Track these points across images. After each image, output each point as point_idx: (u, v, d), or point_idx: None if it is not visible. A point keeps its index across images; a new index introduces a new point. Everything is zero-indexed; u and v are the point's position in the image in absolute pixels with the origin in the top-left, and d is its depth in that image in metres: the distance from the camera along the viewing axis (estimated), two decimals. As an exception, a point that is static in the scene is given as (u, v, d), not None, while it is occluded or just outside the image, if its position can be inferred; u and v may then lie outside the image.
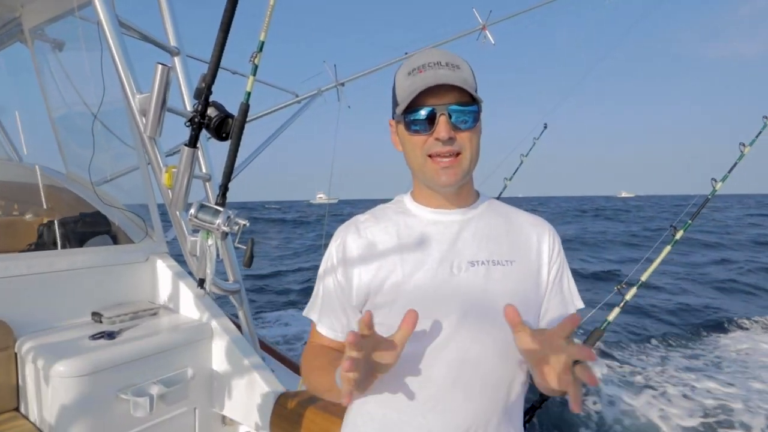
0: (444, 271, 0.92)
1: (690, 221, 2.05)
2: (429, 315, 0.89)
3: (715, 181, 2.08)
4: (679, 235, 2.02)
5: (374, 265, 0.95)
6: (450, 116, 0.88)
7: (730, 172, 2.07)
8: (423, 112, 0.88)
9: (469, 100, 0.89)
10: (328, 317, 1.02)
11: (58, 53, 3.00)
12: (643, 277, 2.01)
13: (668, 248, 2.02)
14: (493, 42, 3.61)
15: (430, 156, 0.91)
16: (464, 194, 1.00)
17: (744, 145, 2.08)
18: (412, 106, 0.88)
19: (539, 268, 0.99)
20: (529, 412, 1.75)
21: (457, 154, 0.90)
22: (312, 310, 1.06)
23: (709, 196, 2.07)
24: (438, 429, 0.90)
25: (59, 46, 2.98)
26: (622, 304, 1.98)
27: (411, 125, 0.90)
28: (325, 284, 1.02)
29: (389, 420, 0.94)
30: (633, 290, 2.00)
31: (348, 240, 0.99)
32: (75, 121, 2.99)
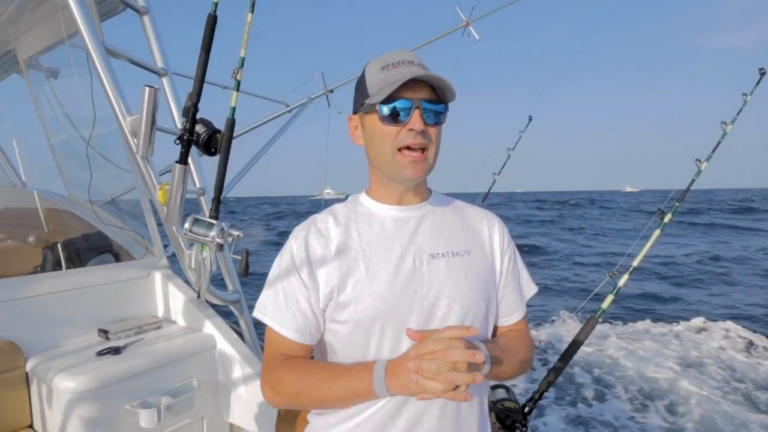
0: (407, 266, 0.96)
1: (677, 203, 2.08)
2: (396, 310, 0.93)
3: (700, 161, 2.11)
4: (667, 218, 2.05)
5: (337, 264, 0.96)
6: (423, 111, 0.92)
7: (713, 151, 2.09)
8: (400, 104, 0.91)
9: (437, 100, 0.95)
10: (294, 319, 0.97)
11: (53, 81, 3.08)
12: (635, 263, 2.03)
13: (657, 232, 2.05)
14: (477, 38, 3.65)
15: (399, 150, 0.94)
16: (420, 190, 1.05)
17: (726, 123, 2.10)
18: (390, 98, 0.91)
19: (493, 258, 1.06)
20: (528, 404, 1.78)
21: (424, 149, 0.95)
22: (273, 312, 0.99)
23: (695, 177, 2.10)
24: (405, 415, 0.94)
25: (54, 74, 3.06)
26: (615, 291, 2.00)
27: (386, 117, 0.93)
28: (288, 286, 0.98)
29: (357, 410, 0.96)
30: (625, 276, 2.02)
31: (310, 239, 0.99)
32: (73, 145, 3.06)
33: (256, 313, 1.02)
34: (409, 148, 0.93)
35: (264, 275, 1.03)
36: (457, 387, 0.79)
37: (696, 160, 2.14)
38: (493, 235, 1.07)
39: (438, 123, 0.96)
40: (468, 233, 1.05)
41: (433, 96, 0.94)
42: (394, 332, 0.93)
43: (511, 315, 1.11)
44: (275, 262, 1.03)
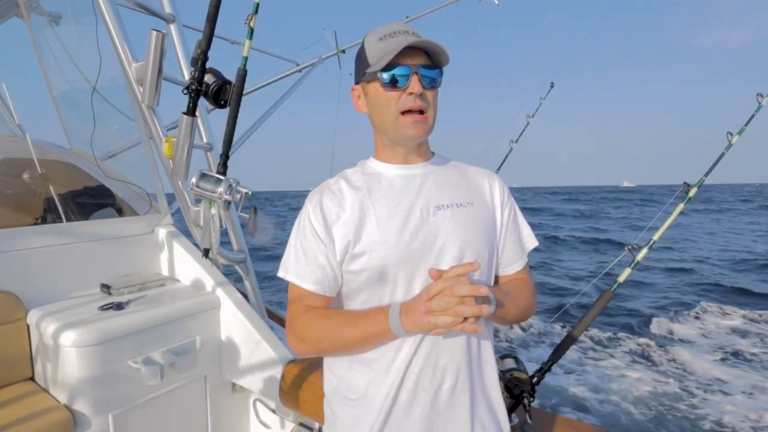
0: (415, 217, 1.04)
1: (704, 177, 2.00)
2: (407, 257, 1.01)
3: (731, 135, 2.02)
4: (692, 192, 1.98)
5: (350, 219, 1.04)
6: (420, 76, 1.01)
7: (746, 125, 2.00)
8: (399, 70, 1.00)
9: (432, 65, 1.03)
10: (314, 273, 1.05)
11: (55, 27, 2.96)
12: (656, 236, 1.97)
13: (681, 206, 1.97)
14: (496, 2, 3.51)
15: (401, 113, 1.02)
16: (422, 151, 1.14)
17: (761, 95, 2.01)
18: (390, 66, 0.99)
19: (494, 209, 1.15)
20: (536, 375, 1.75)
21: (422, 111, 1.03)
22: (295, 269, 1.07)
23: (725, 151, 2.01)
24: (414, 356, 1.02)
25: (56, 19, 2.93)
26: (633, 264, 1.95)
27: (387, 82, 1.01)
28: (306, 243, 1.06)
29: (364, 358, 1.05)
30: (644, 250, 1.96)
31: (324, 200, 1.07)
32: (76, 96, 2.96)
33: (280, 272, 1.09)
34: (410, 111, 1.02)
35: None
36: (465, 319, 0.86)
37: (727, 133, 2.05)
38: (493, 189, 1.17)
39: (434, 86, 1.04)
40: (470, 187, 1.14)
41: (428, 61, 1.02)
42: (405, 278, 1.01)
43: (512, 264, 1.19)
44: (294, 225, 1.11)
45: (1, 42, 3.43)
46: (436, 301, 0.87)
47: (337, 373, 1.13)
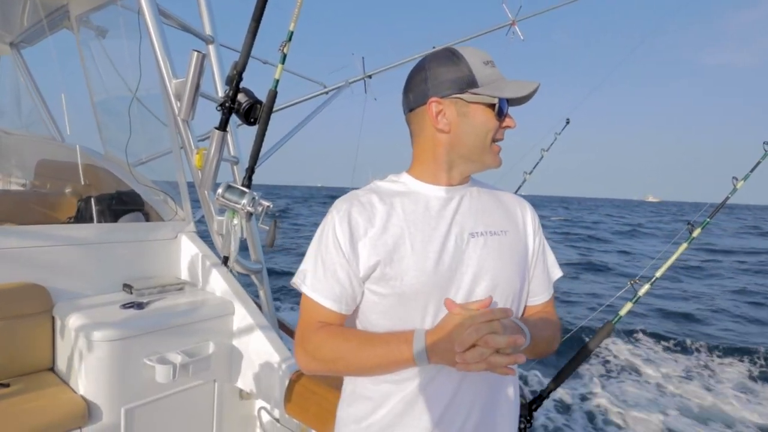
0: (450, 244, 0.99)
1: (708, 219, 2.04)
2: (440, 286, 0.97)
3: (737, 179, 2.06)
4: (696, 233, 2.02)
5: (381, 237, 0.98)
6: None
7: (752, 171, 2.05)
8: (507, 104, 1.00)
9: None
10: (332, 289, 0.99)
11: (102, 40, 3.15)
12: (658, 273, 2.01)
13: (685, 245, 2.01)
14: (522, 37, 3.62)
15: (493, 142, 1.02)
16: (466, 175, 1.09)
17: None
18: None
19: (526, 238, 1.12)
20: (535, 401, 1.79)
21: None
22: (312, 282, 1.01)
23: (730, 195, 2.06)
24: (443, 387, 0.98)
25: (103, 33, 3.12)
26: (634, 299, 1.99)
27: (501, 112, 0.99)
28: (328, 255, 1.00)
29: (385, 391, 1.01)
30: (646, 286, 2.00)
31: (353, 212, 1.00)
32: (114, 105, 3.14)
33: (295, 281, 1.04)
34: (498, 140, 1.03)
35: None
36: None
37: (733, 177, 2.09)
38: (525, 217, 1.14)
39: None
40: (504, 214, 1.11)
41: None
42: (435, 307, 0.96)
43: (539, 295, 1.15)
44: (316, 232, 1.05)
45: (49, 51, 3.66)
46: (470, 354, 0.82)
47: (353, 413, 1.07)
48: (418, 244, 0.98)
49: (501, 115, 0.99)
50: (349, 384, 1.11)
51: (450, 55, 1.00)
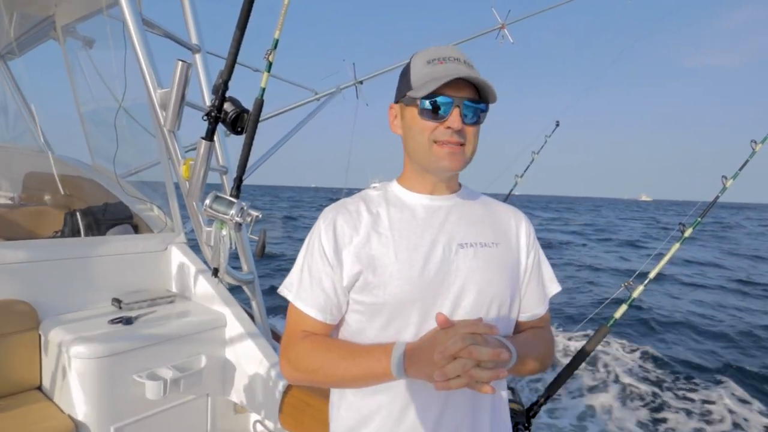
0: (437, 253, 0.96)
1: (699, 219, 2.03)
2: (425, 296, 0.94)
3: (726, 178, 2.05)
4: (688, 232, 2.00)
5: (366, 245, 0.97)
6: (462, 110, 0.93)
7: (740, 169, 2.03)
8: (441, 100, 0.92)
9: (479, 99, 0.95)
10: (317, 298, 0.99)
11: (88, 50, 3.11)
12: (651, 274, 1.99)
13: (677, 245, 2.00)
14: (512, 41, 3.62)
15: (435, 142, 0.95)
16: (452, 183, 1.07)
17: (755, 142, 2.04)
18: (432, 94, 0.92)
19: (519, 253, 1.07)
20: (533, 408, 1.76)
21: (462, 145, 0.96)
22: (297, 290, 1.01)
23: (720, 194, 2.05)
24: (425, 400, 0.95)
25: (89, 43, 3.09)
26: (629, 301, 1.97)
27: (425, 111, 0.94)
28: (314, 263, 0.99)
29: (372, 401, 0.99)
30: (641, 287, 1.98)
31: (338, 220, 1.00)
32: (101, 115, 3.10)
33: (281, 290, 1.04)
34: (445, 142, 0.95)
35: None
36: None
37: (722, 176, 2.08)
38: (519, 230, 1.09)
39: (477, 122, 0.97)
40: (496, 226, 1.06)
41: (475, 95, 0.95)
42: (419, 317, 0.94)
43: (533, 311, 1.10)
44: (304, 241, 1.05)
45: (35, 62, 3.62)
46: (451, 366, 0.79)
47: (343, 424, 1.05)
48: (403, 252, 0.96)
49: (426, 114, 0.94)
50: (335, 394, 1.09)
51: (411, 59, 1.01)
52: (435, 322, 0.89)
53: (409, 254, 0.95)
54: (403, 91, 1.00)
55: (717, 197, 2.01)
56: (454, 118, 0.93)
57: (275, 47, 1.69)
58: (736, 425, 5.54)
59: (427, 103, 0.93)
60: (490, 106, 0.99)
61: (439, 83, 0.90)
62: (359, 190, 1.12)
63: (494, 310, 0.98)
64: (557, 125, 2.83)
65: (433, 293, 0.94)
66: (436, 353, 0.81)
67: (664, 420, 5.72)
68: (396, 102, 1.03)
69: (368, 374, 0.91)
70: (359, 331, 1.00)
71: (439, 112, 0.93)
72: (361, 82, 3.70)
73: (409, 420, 0.95)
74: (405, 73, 1.01)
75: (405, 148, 1.04)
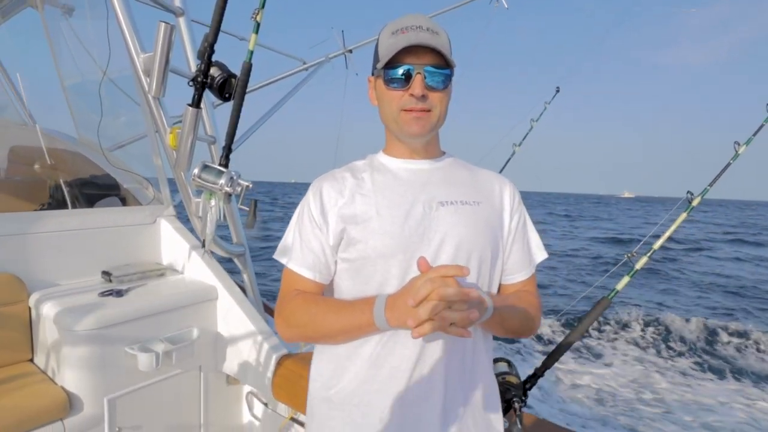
0: (417, 210, 1.01)
1: (708, 187, 1.98)
2: (404, 249, 0.98)
3: (738, 144, 2.00)
4: (695, 202, 1.96)
5: (350, 205, 1.03)
6: (425, 76, 0.96)
7: (755, 135, 1.99)
8: (401, 70, 0.96)
9: (443, 64, 0.97)
10: (306, 258, 1.04)
11: (68, 18, 3.00)
12: (656, 246, 1.95)
13: (684, 215, 1.96)
14: (506, 6, 3.54)
15: (403, 110, 0.99)
16: (431, 149, 1.10)
17: (738, 143, 2.01)
18: (392, 63, 0.96)
19: (502, 212, 1.10)
20: (529, 380, 1.75)
21: (428, 111, 0.99)
22: (289, 253, 1.07)
23: (731, 161, 2.00)
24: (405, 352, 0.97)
25: (69, 11, 2.98)
26: (631, 273, 1.93)
27: (389, 81, 0.98)
28: (303, 227, 1.06)
29: (351, 351, 1.01)
30: (644, 259, 1.95)
31: (324, 186, 1.06)
32: (86, 86, 3.01)
33: (276, 255, 1.10)
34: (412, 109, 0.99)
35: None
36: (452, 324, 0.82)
37: (735, 142, 2.03)
38: (503, 192, 1.12)
39: (441, 88, 0.99)
40: (479, 187, 1.10)
41: (439, 61, 0.97)
42: (399, 270, 0.97)
43: (517, 273, 1.12)
44: (296, 209, 1.10)
45: (15, 32, 3.49)
46: (422, 308, 0.80)
47: (322, 372, 1.08)
48: (384, 209, 1.00)
49: (390, 83, 0.98)
50: (317, 346, 1.13)
51: (379, 33, 1.04)
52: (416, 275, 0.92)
53: (390, 211, 1.00)
54: (374, 64, 1.04)
55: (728, 164, 1.97)
56: (416, 85, 0.95)
57: (263, 6, 1.63)
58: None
59: (390, 73, 0.97)
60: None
61: (394, 52, 0.94)
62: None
63: (474, 265, 1.01)
64: (557, 91, 2.78)
65: (413, 247, 0.97)
66: (409, 299, 0.83)
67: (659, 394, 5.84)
68: (372, 74, 1.07)
69: (354, 326, 0.95)
70: (346, 290, 1.05)
71: (403, 80, 0.97)
72: (350, 51, 3.61)
73: (387, 368, 0.98)
74: (376, 47, 1.05)
75: (381, 118, 1.08)
